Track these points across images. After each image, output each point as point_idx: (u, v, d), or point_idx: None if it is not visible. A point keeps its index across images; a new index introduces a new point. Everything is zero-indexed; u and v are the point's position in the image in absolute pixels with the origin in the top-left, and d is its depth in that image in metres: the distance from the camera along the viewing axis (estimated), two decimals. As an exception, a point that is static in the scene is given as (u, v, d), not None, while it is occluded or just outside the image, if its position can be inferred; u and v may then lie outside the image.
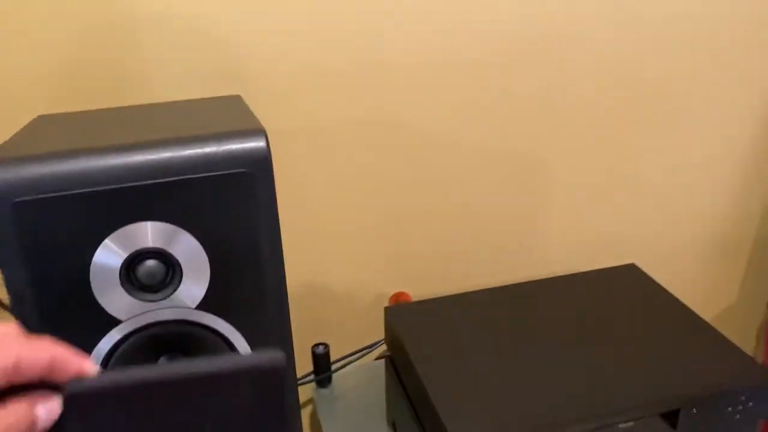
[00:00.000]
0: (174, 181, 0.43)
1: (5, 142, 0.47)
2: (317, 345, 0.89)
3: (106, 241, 0.43)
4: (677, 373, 0.65)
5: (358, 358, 0.92)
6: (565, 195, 0.99)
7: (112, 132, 0.49)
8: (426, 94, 0.87)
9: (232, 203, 0.45)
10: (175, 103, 0.60)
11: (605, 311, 0.75)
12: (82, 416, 0.33)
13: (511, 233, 0.99)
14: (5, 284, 0.43)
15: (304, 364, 0.92)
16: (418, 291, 0.98)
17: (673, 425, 0.63)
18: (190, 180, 0.44)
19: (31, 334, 0.33)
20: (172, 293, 0.46)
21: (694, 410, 0.63)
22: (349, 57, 0.82)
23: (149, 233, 0.44)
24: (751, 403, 0.65)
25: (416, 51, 0.84)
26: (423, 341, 0.72)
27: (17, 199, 0.41)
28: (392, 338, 0.76)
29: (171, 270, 0.46)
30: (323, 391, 0.90)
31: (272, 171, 0.45)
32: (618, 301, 0.77)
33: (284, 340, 0.52)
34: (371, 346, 0.93)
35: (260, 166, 0.45)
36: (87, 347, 0.45)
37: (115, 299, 0.45)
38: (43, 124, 0.54)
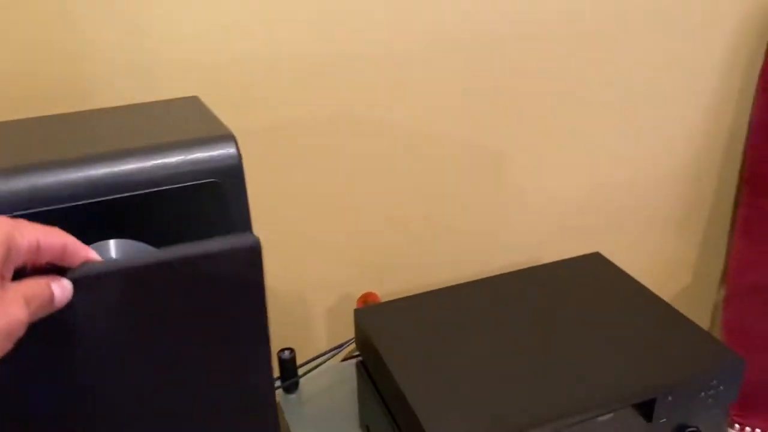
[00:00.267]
0: (138, 195, 0.40)
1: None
2: (283, 350, 0.87)
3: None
4: (651, 361, 0.66)
5: (325, 361, 0.90)
6: (526, 186, 0.99)
7: (63, 143, 0.45)
8: (387, 89, 0.85)
9: (202, 215, 0.42)
10: (129, 107, 0.56)
11: (574, 302, 0.75)
12: (88, 298, 0.36)
13: (475, 225, 0.98)
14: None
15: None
16: (383, 288, 0.96)
17: (650, 413, 0.64)
18: (155, 193, 0.40)
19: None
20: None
21: (670, 398, 0.64)
22: (310, 53, 0.79)
23: (112, 252, 0.41)
24: (722, 387, 0.66)
25: (378, 47, 0.82)
26: (395, 343, 0.71)
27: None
28: (363, 341, 0.74)
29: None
30: (291, 396, 0.87)
31: (244, 179, 0.42)
32: (586, 292, 0.77)
33: (263, 352, 0.49)
34: (339, 347, 0.90)
35: (231, 175, 0.42)
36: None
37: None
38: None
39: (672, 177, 1.08)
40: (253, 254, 0.39)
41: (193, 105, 0.55)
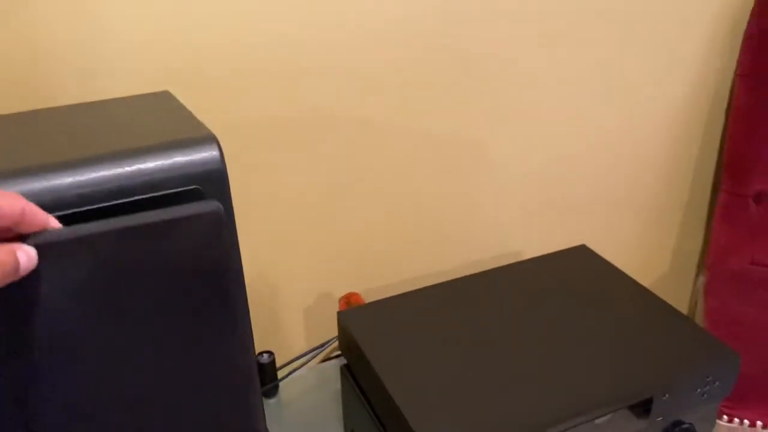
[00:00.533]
0: (109, 206, 0.36)
1: None
2: (261, 353, 0.83)
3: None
4: (647, 359, 0.64)
5: (305, 363, 0.87)
6: (504, 177, 0.97)
7: (20, 148, 0.40)
8: (362, 84, 0.81)
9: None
10: (93, 104, 0.51)
11: (564, 298, 0.73)
12: (51, 268, 0.35)
13: (457, 219, 0.96)
14: None
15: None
16: (363, 285, 0.93)
17: (646, 412, 0.62)
18: (129, 204, 0.36)
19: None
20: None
21: (667, 396, 0.62)
22: (282, 46, 0.75)
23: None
24: (717, 383, 0.65)
25: (348, 39, 0.78)
26: (381, 345, 0.68)
27: None
28: (348, 344, 0.71)
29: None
30: (270, 401, 0.84)
31: (228, 185, 0.39)
32: (575, 286, 0.75)
33: (247, 362, 0.46)
34: (319, 348, 0.87)
35: (214, 180, 0.38)
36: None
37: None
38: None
39: (650, 164, 1.07)
40: (216, 220, 0.37)
41: (165, 101, 0.51)
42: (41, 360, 0.37)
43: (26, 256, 0.33)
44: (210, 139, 0.38)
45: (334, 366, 0.90)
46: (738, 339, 0.88)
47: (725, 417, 0.84)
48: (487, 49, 0.87)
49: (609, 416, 0.60)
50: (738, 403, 0.84)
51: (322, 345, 0.88)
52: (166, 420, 0.42)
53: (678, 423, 0.65)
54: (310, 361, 0.87)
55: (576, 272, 0.78)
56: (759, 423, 0.83)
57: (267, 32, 0.74)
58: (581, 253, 0.82)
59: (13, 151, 0.39)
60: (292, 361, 0.87)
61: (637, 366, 0.63)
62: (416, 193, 0.91)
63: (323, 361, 0.93)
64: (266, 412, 0.81)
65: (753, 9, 0.95)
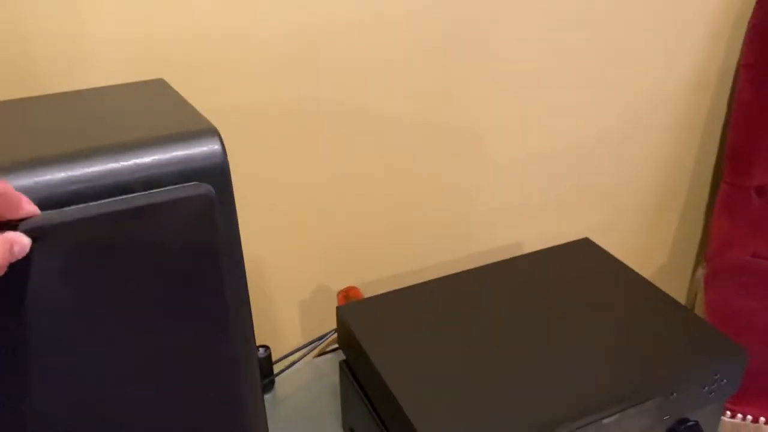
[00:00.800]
0: (109, 203, 0.34)
1: None
2: (257, 348, 0.81)
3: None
4: (653, 357, 0.63)
5: (302, 357, 0.85)
6: (503, 167, 0.95)
7: (12, 138, 0.38)
8: (360, 75, 0.79)
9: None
10: (87, 92, 0.49)
11: (568, 293, 0.72)
12: (37, 251, 0.33)
13: (456, 212, 0.94)
14: None
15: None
16: (360, 277, 0.91)
17: (654, 412, 0.61)
18: (128, 201, 0.34)
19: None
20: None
21: (674, 395, 0.61)
22: (272, 31, 0.73)
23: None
24: (725, 380, 0.64)
25: (346, 28, 0.76)
26: (382, 340, 0.66)
27: None
28: (347, 339, 0.69)
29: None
30: (266, 396, 0.82)
31: (230, 180, 0.36)
32: (579, 282, 0.74)
33: (250, 364, 0.44)
34: (318, 340, 0.85)
35: (216, 176, 0.36)
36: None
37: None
38: None
39: (650, 156, 1.06)
40: (207, 203, 0.36)
41: (160, 89, 0.48)
42: (28, 348, 0.35)
43: (20, 243, 0.31)
44: (211, 132, 0.36)
45: (331, 360, 0.88)
46: (739, 332, 0.87)
47: (728, 413, 0.84)
48: (487, 43, 0.85)
49: (617, 416, 0.59)
50: (741, 398, 0.83)
51: (319, 338, 0.86)
52: (157, 415, 0.40)
53: (684, 421, 0.64)
54: (306, 355, 0.86)
55: (580, 266, 0.76)
56: (762, 419, 0.82)
57: (263, 20, 0.72)
58: (585, 247, 0.80)
59: (6, 143, 0.37)
60: (288, 355, 0.85)
61: (644, 364, 0.62)
62: (415, 185, 0.89)
63: (319, 355, 0.91)
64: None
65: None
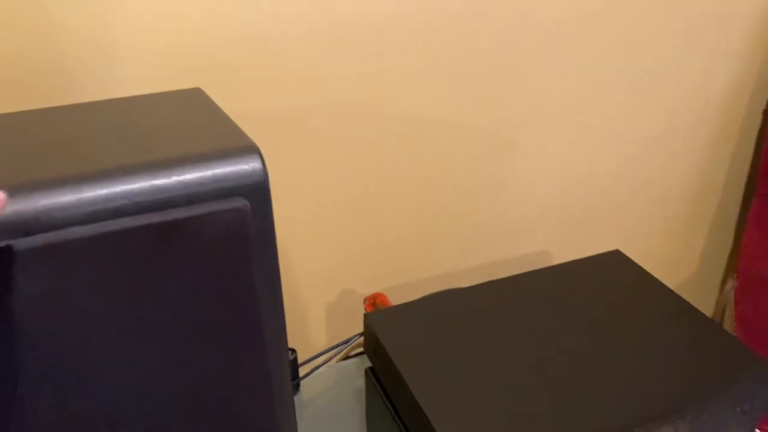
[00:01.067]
0: (146, 216, 0.34)
1: None
2: (283, 351, 0.82)
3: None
4: (684, 375, 0.62)
5: (327, 360, 0.85)
6: (534, 174, 0.94)
7: (52, 150, 0.38)
8: (389, 77, 0.79)
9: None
10: (123, 101, 0.49)
11: (598, 306, 0.71)
12: (70, 263, 0.33)
13: (484, 218, 0.94)
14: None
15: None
16: (386, 282, 0.91)
17: (683, 430, 0.60)
18: (165, 214, 0.34)
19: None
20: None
21: (705, 414, 0.60)
22: (302, 34, 0.73)
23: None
24: (757, 400, 0.63)
25: (377, 29, 0.75)
26: (409, 349, 0.66)
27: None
28: (374, 347, 0.69)
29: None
30: (291, 399, 0.83)
31: (270, 197, 0.37)
32: (609, 294, 0.73)
33: (282, 375, 0.44)
34: (344, 344, 0.86)
35: (256, 193, 0.36)
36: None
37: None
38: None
39: (682, 166, 1.04)
40: (242, 216, 0.35)
41: (197, 100, 0.48)
42: (65, 356, 0.35)
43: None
44: (253, 150, 0.36)
45: (356, 364, 0.88)
46: (770, 349, 0.85)
47: (757, 431, 0.82)
48: (521, 45, 0.84)
49: (644, 434, 0.58)
50: (771, 417, 0.82)
51: (344, 342, 0.86)
52: (187, 423, 0.40)
53: (713, 440, 0.63)
54: (331, 359, 0.86)
55: (610, 279, 0.76)
56: (791, 438, 0.81)
57: (293, 22, 0.72)
58: (615, 259, 0.79)
59: (40, 156, 0.37)
60: (313, 358, 0.86)
61: (674, 383, 0.61)
62: (443, 190, 0.89)
63: (344, 359, 0.92)
64: (287, 410, 0.80)
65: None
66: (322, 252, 0.86)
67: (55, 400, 0.36)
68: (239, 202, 0.35)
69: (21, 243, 0.32)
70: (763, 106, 1.03)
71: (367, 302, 0.83)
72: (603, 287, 0.74)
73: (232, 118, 0.40)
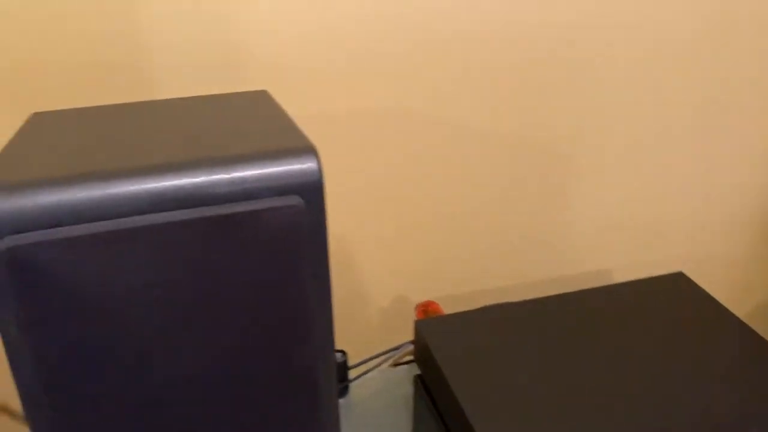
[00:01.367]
0: (207, 212, 0.35)
1: (-2, 156, 0.39)
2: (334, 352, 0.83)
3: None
4: (743, 409, 0.59)
5: (377, 365, 0.86)
6: (595, 190, 0.92)
7: (123, 143, 0.40)
8: (453, 85, 0.79)
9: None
10: (192, 99, 0.51)
11: (655, 329, 0.69)
12: (129, 251, 0.34)
13: (543, 232, 0.92)
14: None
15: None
16: (439, 291, 0.91)
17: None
18: (224, 207, 0.36)
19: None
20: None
21: (766, 450, 0.57)
22: (362, 44, 0.74)
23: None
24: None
25: (431, 34, 0.76)
26: (459, 359, 0.66)
27: (12, 239, 0.33)
28: (424, 355, 0.69)
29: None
30: (340, 401, 0.84)
31: (324, 197, 0.37)
32: (668, 318, 0.71)
33: (327, 374, 0.45)
34: (394, 350, 0.86)
35: (311, 192, 0.37)
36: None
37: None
38: (39, 126, 0.46)
39: (753, 189, 1.00)
40: (296, 214, 0.36)
41: (262, 101, 0.50)
42: (121, 338, 0.37)
43: None
44: (310, 151, 0.37)
45: (406, 371, 0.88)
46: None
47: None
48: (590, 59, 0.83)
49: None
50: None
51: (394, 349, 0.86)
52: (235, 416, 0.41)
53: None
54: (381, 364, 0.86)
55: (671, 302, 0.73)
56: None
57: (357, 29, 0.73)
58: (678, 281, 0.77)
59: (113, 148, 0.39)
60: (363, 362, 0.86)
61: (733, 417, 0.59)
62: (502, 202, 0.88)
63: (395, 365, 0.92)
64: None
65: None
66: (380, 257, 0.87)
67: (117, 378, 0.38)
68: (294, 200, 0.36)
69: (88, 228, 0.34)
70: None
71: (419, 309, 0.83)
72: (663, 309, 0.72)
73: (300, 119, 0.41)
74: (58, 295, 0.34)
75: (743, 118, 0.94)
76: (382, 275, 0.88)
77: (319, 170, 0.37)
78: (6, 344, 0.36)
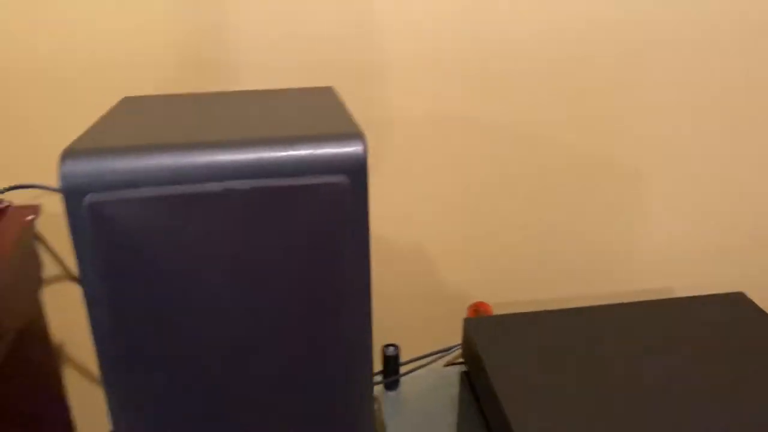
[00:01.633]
0: (264, 183, 0.40)
1: (89, 129, 0.44)
2: (388, 346, 0.86)
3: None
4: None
5: (428, 363, 0.88)
6: (662, 211, 0.91)
7: (196, 123, 0.45)
8: (524, 94, 0.81)
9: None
10: (265, 92, 0.56)
11: (707, 346, 0.68)
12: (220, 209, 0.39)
13: (603, 244, 0.92)
14: (80, 276, 0.41)
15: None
16: (497, 297, 0.93)
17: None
18: (281, 180, 0.40)
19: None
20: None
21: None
22: (440, 48, 0.77)
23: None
24: None
25: (508, 42, 0.78)
26: (503, 359, 0.67)
27: (92, 195, 0.38)
28: (470, 352, 0.71)
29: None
30: (390, 393, 0.87)
31: (367, 178, 0.41)
32: (723, 337, 0.70)
33: (362, 346, 0.48)
34: (445, 351, 0.88)
35: (357, 173, 0.41)
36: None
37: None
38: (128, 107, 0.52)
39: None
40: (341, 190, 0.40)
41: (327, 96, 0.54)
42: (190, 290, 0.42)
43: None
44: (357, 136, 0.41)
45: (457, 372, 0.90)
46: None
47: None
48: (658, 77, 0.83)
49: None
50: None
51: (446, 350, 0.89)
52: (275, 379, 0.45)
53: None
54: (433, 362, 0.89)
55: (728, 321, 0.72)
56: None
57: (414, 39, 0.76)
58: (737, 301, 0.75)
59: (189, 126, 0.44)
60: (416, 359, 0.89)
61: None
62: (566, 213, 0.89)
63: (448, 365, 0.94)
64: (386, 403, 0.84)
65: None
66: (440, 260, 0.89)
67: (177, 329, 0.42)
68: (340, 178, 0.40)
69: (159, 191, 0.39)
70: None
71: (470, 309, 0.85)
72: (717, 326, 0.71)
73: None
74: (131, 248, 0.39)
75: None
76: (440, 277, 0.91)
77: (365, 154, 0.40)
78: (86, 294, 0.41)
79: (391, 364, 0.86)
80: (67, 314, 0.81)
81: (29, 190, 0.72)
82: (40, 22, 0.68)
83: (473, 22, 0.76)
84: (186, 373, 0.44)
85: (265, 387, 0.46)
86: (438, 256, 0.89)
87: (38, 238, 0.73)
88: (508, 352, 0.68)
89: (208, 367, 0.44)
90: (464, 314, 0.93)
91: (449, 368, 0.91)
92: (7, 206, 0.67)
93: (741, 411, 0.60)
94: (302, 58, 0.75)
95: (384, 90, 0.78)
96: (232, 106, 0.51)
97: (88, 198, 0.38)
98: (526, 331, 0.71)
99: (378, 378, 0.87)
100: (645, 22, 0.80)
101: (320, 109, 0.49)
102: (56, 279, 0.79)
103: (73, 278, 0.78)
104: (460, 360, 0.95)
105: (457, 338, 0.93)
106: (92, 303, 0.42)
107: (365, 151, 0.40)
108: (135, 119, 0.47)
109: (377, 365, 0.90)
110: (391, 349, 0.86)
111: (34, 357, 0.70)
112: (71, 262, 0.78)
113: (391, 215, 0.85)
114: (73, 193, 0.38)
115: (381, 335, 0.92)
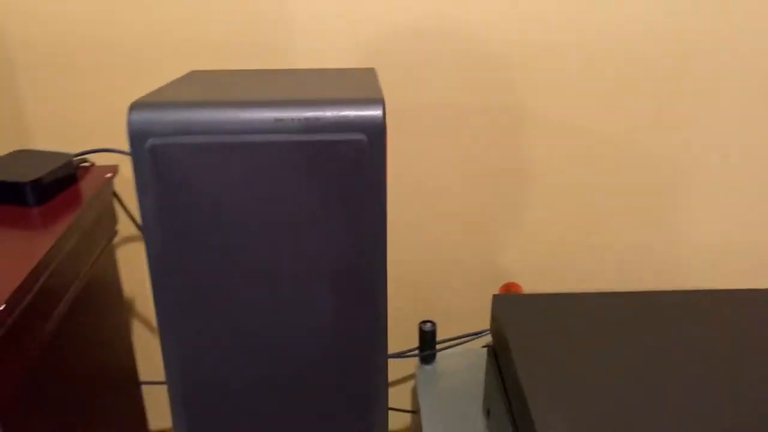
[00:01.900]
0: (296, 138, 0.46)
1: (156, 90, 0.52)
2: (425, 322, 0.91)
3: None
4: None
5: (463, 342, 0.93)
6: (712, 209, 0.92)
7: (246, 88, 0.52)
8: (568, 89, 0.84)
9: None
10: (314, 69, 0.63)
11: (740, 339, 0.67)
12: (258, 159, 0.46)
13: (651, 241, 0.94)
14: (140, 212, 0.48)
15: (410, 340, 0.94)
16: (531, 285, 0.96)
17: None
18: (309, 139, 0.46)
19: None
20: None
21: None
22: (484, 39, 0.82)
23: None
24: None
25: (556, 37, 0.82)
26: (527, 337, 0.69)
27: (153, 139, 0.45)
28: (497, 328, 0.75)
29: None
30: (426, 367, 0.91)
31: (385, 139, 0.47)
32: (757, 330, 0.69)
33: (378, 315, 0.53)
34: (479, 333, 0.92)
35: (376, 134, 0.46)
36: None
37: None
38: (192, 77, 0.59)
39: None
40: (360, 147, 0.46)
41: (366, 74, 0.61)
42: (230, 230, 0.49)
43: None
44: (378, 101, 0.47)
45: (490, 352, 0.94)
46: None
47: None
48: (705, 71, 0.84)
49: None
50: None
51: (477, 333, 0.92)
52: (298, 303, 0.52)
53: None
54: (470, 342, 0.93)
55: (764, 315, 0.72)
56: None
57: (469, 26, 0.81)
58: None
59: (240, 90, 0.52)
60: (453, 338, 0.93)
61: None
62: (604, 203, 0.91)
63: (485, 346, 0.98)
64: (421, 376, 0.88)
65: None
66: (478, 246, 0.93)
67: (222, 263, 0.49)
68: (359, 136, 0.46)
69: (210, 138, 0.46)
70: None
71: (502, 288, 0.89)
72: (756, 323, 0.70)
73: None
74: (183, 186, 0.46)
75: None
76: (483, 261, 0.95)
77: (382, 116, 0.46)
78: (144, 235, 0.49)
79: (428, 339, 0.90)
80: (136, 273, 0.91)
81: (111, 154, 0.82)
82: (127, 11, 0.78)
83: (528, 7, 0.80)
84: (230, 317, 0.51)
85: (294, 332, 0.52)
86: (478, 239, 0.93)
87: (116, 195, 0.83)
88: (534, 330, 0.70)
89: (250, 308, 0.51)
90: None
91: (484, 349, 0.95)
92: (92, 164, 0.78)
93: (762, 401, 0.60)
94: (350, 44, 0.81)
95: (426, 75, 0.83)
96: (281, 78, 0.58)
97: (150, 141, 0.45)
98: (554, 312, 0.73)
99: (415, 352, 0.92)
100: (688, 25, 0.81)
101: (354, 82, 0.55)
102: (129, 239, 0.89)
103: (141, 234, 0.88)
104: (491, 342, 0.98)
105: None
106: (149, 243, 0.49)
107: (383, 113, 0.46)
108: (195, 85, 0.55)
109: (414, 342, 0.95)
110: (428, 325, 0.90)
111: (104, 304, 0.79)
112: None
113: (426, 197, 0.90)
114: (137, 138, 0.45)
115: (419, 313, 0.97)
